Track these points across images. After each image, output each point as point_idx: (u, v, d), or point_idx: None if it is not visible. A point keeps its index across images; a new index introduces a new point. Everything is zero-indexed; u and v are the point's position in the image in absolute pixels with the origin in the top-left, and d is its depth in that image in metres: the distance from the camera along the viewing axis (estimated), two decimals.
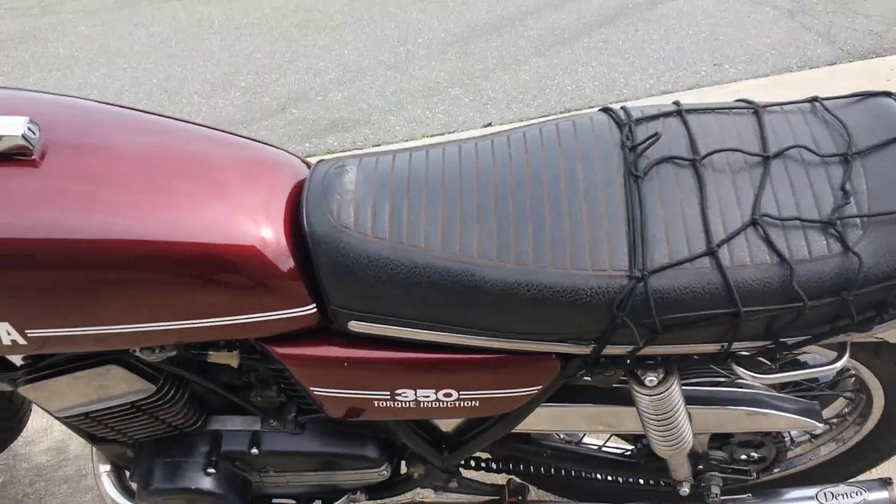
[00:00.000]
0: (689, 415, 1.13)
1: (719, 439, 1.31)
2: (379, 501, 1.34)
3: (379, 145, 2.99)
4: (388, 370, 1.02)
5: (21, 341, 0.92)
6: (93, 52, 3.74)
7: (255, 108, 3.26)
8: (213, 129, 1.05)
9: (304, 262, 0.96)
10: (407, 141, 2.98)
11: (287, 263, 0.94)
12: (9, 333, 0.91)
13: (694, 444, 1.30)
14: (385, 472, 1.22)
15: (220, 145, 1.02)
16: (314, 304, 0.96)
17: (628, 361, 1.01)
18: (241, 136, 1.06)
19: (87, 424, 1.14)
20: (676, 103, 1.04)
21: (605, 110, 1.04)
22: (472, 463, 1.37)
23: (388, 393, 1.04)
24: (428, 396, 1.04)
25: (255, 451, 1.16)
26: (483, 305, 0.92)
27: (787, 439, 1.34)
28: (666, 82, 3.34)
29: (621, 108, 1.05)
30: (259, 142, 1.06)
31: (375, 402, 1.05)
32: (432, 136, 3.01)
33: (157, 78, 3.52)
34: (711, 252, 0.88)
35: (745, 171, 0.94)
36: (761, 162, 0.94)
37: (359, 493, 1.27)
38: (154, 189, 0.92)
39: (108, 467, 1.27)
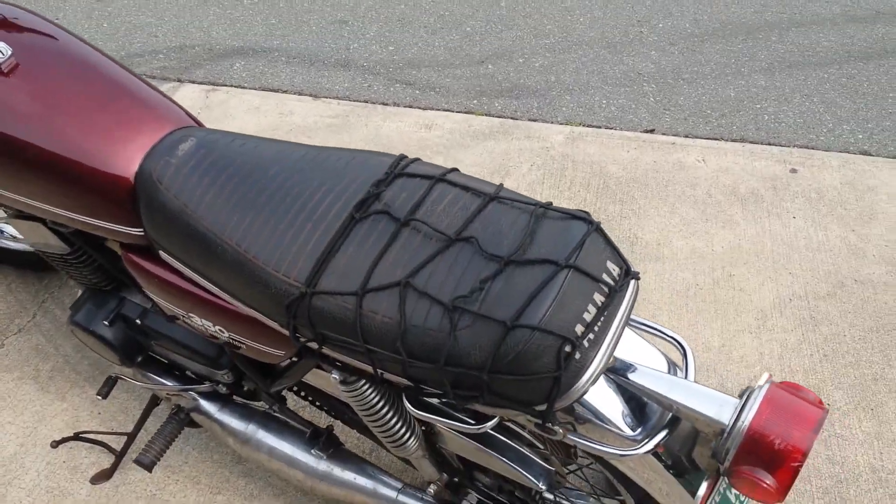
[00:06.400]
0: (414, 423, 1.31)
1: (479, 468, 1.43)
2: None
3: (535, 120, 3.13)
4: (184, 296, 1.32)
5: None
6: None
7: (461, 55, 3.55)
8: (139, 77, 1.41)
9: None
10: (563, 124, 3.08)
11: (123, 189, 1.27)
12: None
13: (449, 457, 1.47)
14: (227, 377, 1.54)
15: (133, 87, 1.37)
16: (142, 229, 1.29)
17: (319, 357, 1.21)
18: (154, 87, 1.40)
19: (53, 261, 1.61)
20: (454, 170, 1.17)
21: (401, 157, 1.20)
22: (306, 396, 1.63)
23: (185, 313, 1.34)
24: (208, 326, 1.33)
25: (138, 321, 1.55)
26: (225, 272, 1.18)
27: (534, 492, 1.46)
28: (877, 143, 2.99)
29: (413, 159, 1.19)
30: (165, 95, 1.40)
31: (182, 317, 1.37)
32: (588, 125, 3.07)
33: (397, 10, 3.94)
34: (356, 294, 1.05)
35: (430, 243, 1.06)
36: (445, 241, 1.06)
37: (218, 385, 1.61)
38: (63, 108, 1.29)
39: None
